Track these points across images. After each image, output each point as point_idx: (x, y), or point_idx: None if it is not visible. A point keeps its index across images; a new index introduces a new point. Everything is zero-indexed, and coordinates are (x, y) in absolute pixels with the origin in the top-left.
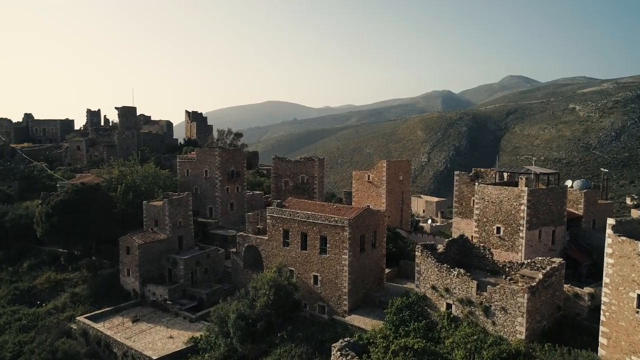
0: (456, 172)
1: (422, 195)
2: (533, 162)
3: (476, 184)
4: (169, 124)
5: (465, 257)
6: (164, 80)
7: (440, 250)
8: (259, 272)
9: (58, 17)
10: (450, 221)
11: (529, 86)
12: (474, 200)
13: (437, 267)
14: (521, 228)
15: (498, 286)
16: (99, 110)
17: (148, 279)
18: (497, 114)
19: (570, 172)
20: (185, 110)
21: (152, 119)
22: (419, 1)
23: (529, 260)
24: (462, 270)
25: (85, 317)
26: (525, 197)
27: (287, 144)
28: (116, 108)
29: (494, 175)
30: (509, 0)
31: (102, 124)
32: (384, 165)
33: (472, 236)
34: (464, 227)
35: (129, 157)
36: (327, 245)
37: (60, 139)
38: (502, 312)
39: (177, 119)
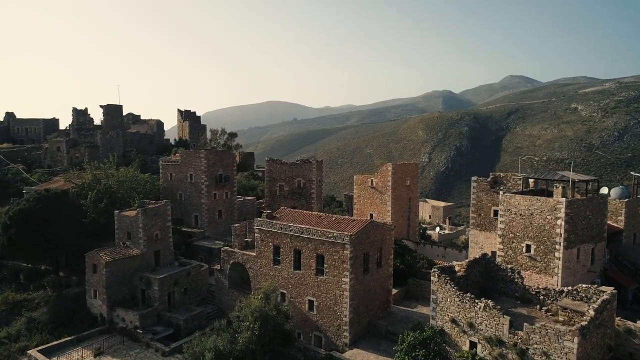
0: (474, 178)
1: (427, 200)
2: (535, 163)
3: (500, 192)
4: (159, 124)
5: (489, 280)
6: (163, 80)
7: (460, 273)
8: (246, 293)
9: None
10: (459, 228)
11: (529, 86)
12: (494, 210)
13: (458, 297)
14: (557, 247)
15: (538, 325)
16: (85, 109)
17: (118, 301)
18: (498, 113)
19: (572, 172)
20: (178, 109)
21: (142, 118)
22: (419, 2)
23: (569, 288)
24: (490, 303)
25: (39, 350)
26: (563, 210)
27: (287, 144)
28: (101, 106)
29: (516, 181)
30: (509, 1)
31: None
32: (390, 168)
33: (492, 251)
34: (483, 241)
35: (104, 160)
36: (325, 265)
37: (43, 139)
38: (544, 357)
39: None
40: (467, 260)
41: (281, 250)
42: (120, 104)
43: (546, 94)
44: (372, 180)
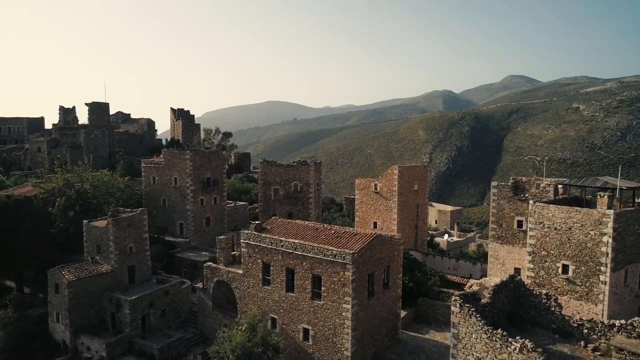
0: (494, 184)
1: (433, 203)
2: (537, 163)
3: (530, 202)
4: (150, 123)
5: (518, 307)
6: (163, 80)
7: (484, 300)
8: (232, 316)
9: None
10: (469, 235)
11: (530, 86)
12: (518, 221)
13: (486, 333)
14: (602, 268)
15: None
16: (73, 107)
17: (84, 326)
18: (499, 113)
19: (575, 172)
20: (171, 108)
21: (133, 117)
22: (419, 2)
23: (622, 323)
24: (528, 344)
25: None
26: (610, 224)
27: (287, 144)
28: (86, 104)
29: (544, 188)
30: (510, 1)
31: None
32: (396, 172)
33: (516, 268)
34: (504, 256)
35: (78, 162)
36: (322, 287)
37: (27, 139)
38: None
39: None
40: (492, 284)
41: (271, 268)
42: (107, 101)
43: (547, 93)
44: (375, 185)
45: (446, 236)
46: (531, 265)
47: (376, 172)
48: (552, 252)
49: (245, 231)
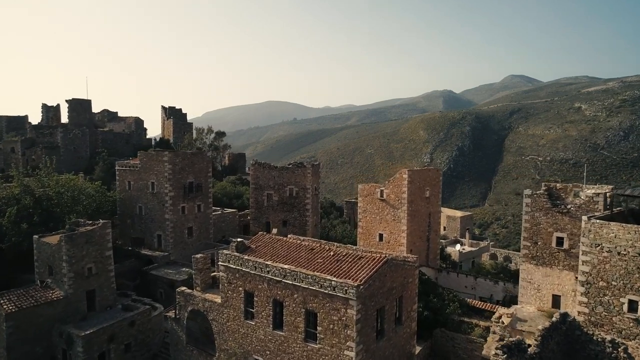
0: (527, 192)
1: (442, 208)
2: (539, 163)
3: (584, 219)
4: (137, 121)
5: (571, 356)
6: (163, 80)
7: (532, 350)
8: (209, 354)
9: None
10: (482, 244)
11: (530, 85)
12: (557, 238)
13: None
14: None
15: None
16: (57, 105)
17: None
18: (500, 113)
19: (577, 173)
20: (161, 106)
21: (120, 115)
22: (419, 2)
23: None
24: None
25: None
26: None
27: (287, 144)
28: (66, 101)
29: (591, 198)
30: (510, 1)
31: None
32: (405, 176)
33: (554, 295)
34: (540, 280)
35: (39, 165)
36: (319, 327)
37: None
38: None
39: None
40: (539, 328)
41: (255, 299)
42: (89, 98)
43: (548, 93)
44: (381, 191)
45: (458, 246)
46: (584, 299)
47: (376, 172)
48: (614, 283)
49: (224, 251)
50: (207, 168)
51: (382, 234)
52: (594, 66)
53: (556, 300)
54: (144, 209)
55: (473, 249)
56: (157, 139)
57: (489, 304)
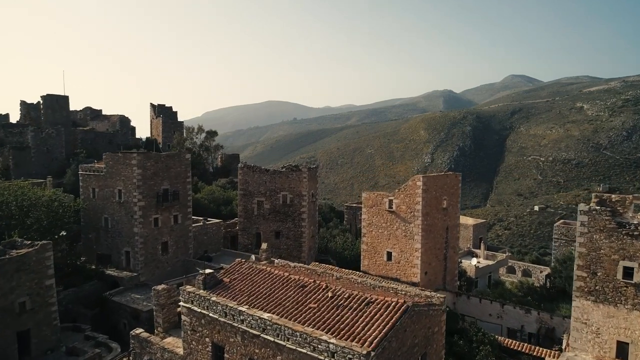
0: (583, 208)
1: None
2: (541, 164)
3: None
4: (123, 120)
5: None
6: (163, 79)
7: None
8: None
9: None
10: (500, 257)
11: (531, 85)
12: (625, 268)
13: None
14: None
15: None
16: (38, 102)
17: None
18: (502, 113)
19: (580, 173)
20: (150, 104)
21: (104, 113)
22: (419, 2)
23: None
24: None
25: None
26: None
27: (287, 144)
28: (41, 97)
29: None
30: (510, 0)
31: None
32: (419, 183)
33: (620, 342)
34: (600, 322)
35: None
36: None
37: None
38: None
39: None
40: None
41: (226, 355)
42: (66, 94)
43: (549, 93)
44: (390, 201)
45: (474, 260)
46: None
47: (377, 172)
48: None
49: (187, 288)
50: (186, 172)
51: (391, 253)
52: (595, 66)
53: (622, 349)
54: (110, 221)
55: (490, 262)
56: (142, 140)
57: (527, 345)
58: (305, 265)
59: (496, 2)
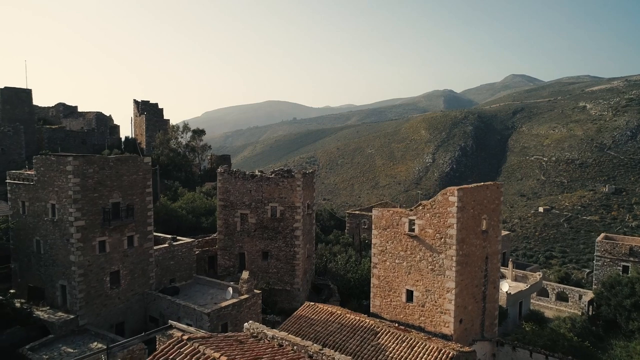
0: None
1: None
2: (544, 164)
3: None
4: (99, 117)
5: None
6: (162, 79)
7: None
8: None
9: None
10: (532, 279)
11: (532, 85)
12: None
13: None
14: None
15: None
16: None
17: None
18: (503, 113)
19: (584, 173)
20: (134, 100)
21: (80, 110)
22: (419, 2)
23: None
24: None
25: None
26: None
27: (286, 144)
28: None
29: None
30: (510, 0)
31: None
32: (454, 198)
33: None
34: None
35: None
36: None
37: None
38: None
39: (175, 119)
40: None
41: None
42: (29, 87)
43: (551, 92)
44: (411, 222)
45: (505, 285)
46: None
47: (377, 172)
48: None
49: None
50: (145, 181)
51: (412, 292)
52: (596, 65)
53: None
54: (43, 245)
55: (521, 285)
56: (121, 140)
57: None
58: (297, 342)
59: (496, 1)
